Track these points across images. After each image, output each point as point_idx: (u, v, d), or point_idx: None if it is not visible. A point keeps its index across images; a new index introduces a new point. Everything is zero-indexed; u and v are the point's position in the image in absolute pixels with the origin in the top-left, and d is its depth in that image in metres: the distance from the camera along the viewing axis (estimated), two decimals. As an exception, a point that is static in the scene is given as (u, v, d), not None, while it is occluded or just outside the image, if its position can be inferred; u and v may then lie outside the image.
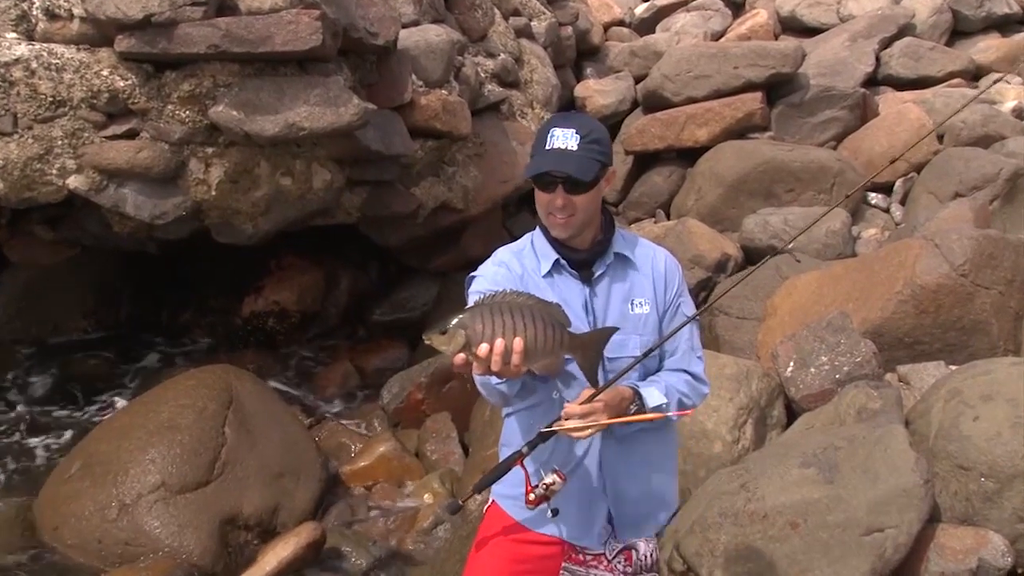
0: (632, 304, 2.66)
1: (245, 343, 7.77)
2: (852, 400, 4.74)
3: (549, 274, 2.63)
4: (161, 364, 7.44)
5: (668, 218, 9.69)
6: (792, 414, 5.29)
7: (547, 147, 2.50)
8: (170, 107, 5.65)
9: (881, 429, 4.20)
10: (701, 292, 7.55)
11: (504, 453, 2.79)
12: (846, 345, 5.24)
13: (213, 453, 5.20)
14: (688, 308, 2.77)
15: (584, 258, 2.64)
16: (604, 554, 2.76)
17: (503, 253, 2.73)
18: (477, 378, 2.49)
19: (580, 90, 11.18)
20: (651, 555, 2.81)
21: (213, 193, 5.95)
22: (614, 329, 2.51)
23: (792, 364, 5.30)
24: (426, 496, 5.68)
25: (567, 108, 10.97)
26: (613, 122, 11.15)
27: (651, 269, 2.71)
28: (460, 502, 2.76)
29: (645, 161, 10.32)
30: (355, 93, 5.95)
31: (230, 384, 5.61)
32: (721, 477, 4.41)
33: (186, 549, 4.83)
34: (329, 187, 6.44)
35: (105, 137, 5.66)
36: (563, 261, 2.63)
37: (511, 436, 2.80)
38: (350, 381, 7.42)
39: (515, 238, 2.77)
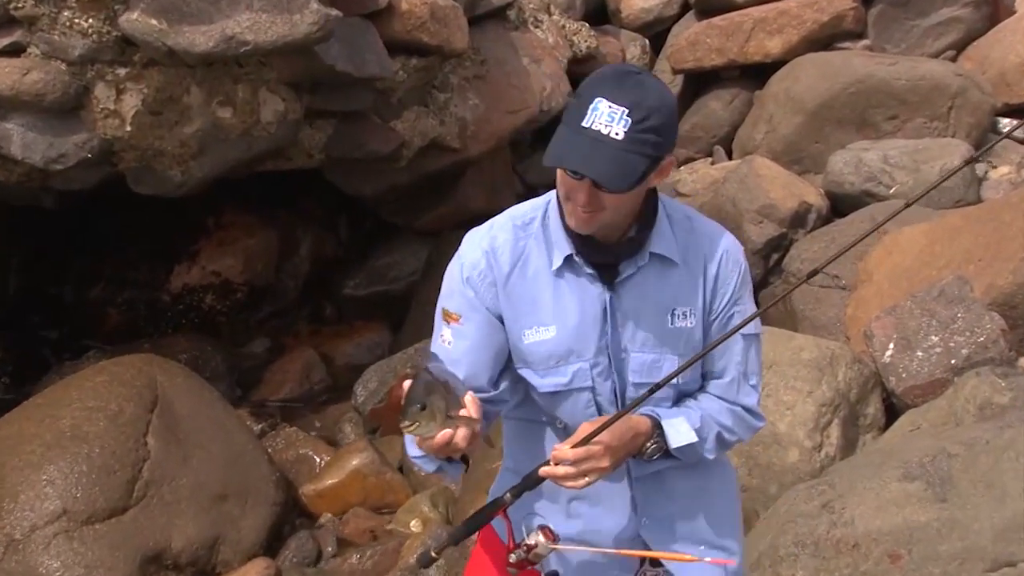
0: (673, 316, 2.57)
1: (175, 326, 7.79)
2: (972, 392, 4.68)
3: (562, 269, 2.53)
4: (63, 354, 7.46)
5: (729, 157, 9.62)
6: (892, 411, 5.26)
7: (584, 122, 2.30)
8: (67, 13, 5.60)
9: (1011, 431, 4.14)
10: (772, 254, 7.50)
11: (505, 478, 2.77)
12: (965, 320, 5.18)
13: (132, 471, 5.19)
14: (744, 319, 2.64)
15: (608, 259, 2.53)
16: None
17: (503, 227, 2.60)
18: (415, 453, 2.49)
19: (613, -11, 11.14)
20: None
21: (128, 129, 5.92)
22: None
23: (892, 346, 5.25)
24: (413, 523, 5.67)
25: (595, 13, 10.91)
26: (657, 31, 11.09)
27: (702, 267, 2.59)
28: (432, 553, 2.71)
29: (699, 82, 10.23)
30: (314, -6, 5.93)
31: (154, 380, 5.61)
32: (798, 495, 4.37)
33: (97, 596, 4.86)
34: (282, 120, 6.40)
35: (-22, 55, 5.65)
36: (578, 259, 2.53)
37: (508, 455, 2.81)
38: (313, 374, 7.43)
39: (528, 187, 2.69)
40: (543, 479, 2.47)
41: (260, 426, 6.64)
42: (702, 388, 2.68)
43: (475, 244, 2.59)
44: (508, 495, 2.53)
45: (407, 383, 2.26)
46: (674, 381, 2.51)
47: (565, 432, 2.56)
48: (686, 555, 2.58)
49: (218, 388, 6.38)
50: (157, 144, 6.11)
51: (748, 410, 2.67)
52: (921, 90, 8.66)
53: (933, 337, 5.20)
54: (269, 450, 6.19)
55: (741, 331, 2.57)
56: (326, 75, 6.40)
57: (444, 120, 7.51)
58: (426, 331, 2.80)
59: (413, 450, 2.43)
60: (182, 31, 5.58)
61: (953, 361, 5.11)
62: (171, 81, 5.95)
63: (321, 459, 6.28)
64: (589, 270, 2.53)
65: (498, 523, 2.62)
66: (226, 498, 5.43)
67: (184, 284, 7.92)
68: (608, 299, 2.53)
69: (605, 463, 2.40)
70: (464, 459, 2.50)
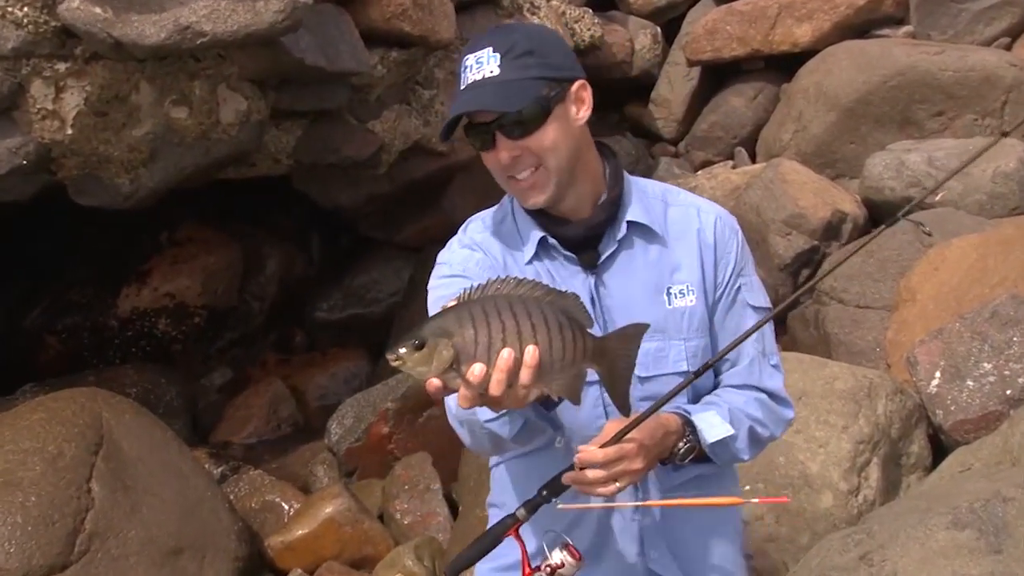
0: (669, 295, 2.63)
1: (123, 356, 7.77)
2: (1030, 427, 4.68)
3: (535, 259, 2.60)
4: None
5: (753, 160, 9.64)
6: (939, 449, 5.25)
7: (461, 86, 2.50)
8: (-2, 2, 5.63)
9: (1074, 470, 4.15)
10: (802, 270, 7.50)
11: (495, 517, 2.75)
12: (1021, 345, 5.18)
13: (73, 522, 5.16)
14: (752, 293, 2.73)
15: (583, 233, 2.61)
16: None
17: (476, 227, 2.71)
18: (455, 413, 2.44)
19: (620, -29, 11.19)
20: None
21: (69, 132, 5.91)
22: (645, 325, 2.48)
23: (939, 375, 5.25)
24: (396, 580, 5.67)
25: (599, -4, 10.96)
26: (670, 17, 11.13)
27: (695, 238, 2.67)
28: None
29: (718, 76, 10.26)
30: (279, -22, 5.94)
31: (99, 417, 5.59)
32: (832, 544, 4.33)
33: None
34: (245, 121, 6.41)
35: None
36: (552, 240, 2.60)
37: (503, 494, 2.77)
38: (281, 410, 7.44)
39: None
40: (564, 488, 2.46)
41: (220, 469, 6.62)
42: (716, 382, 2.72)
43: (455, 248, 2.68)
44: (522, 510, 2.51)
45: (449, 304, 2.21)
46: (687, 386, 2.54)
47: (566, 453, 2.55)
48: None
49: (172, 426, 6.37)
50: (102, 149, 6.10)
51: (774, 396, 2.72)
52: (971, 83, 8.67)
53: (986, 364, 5.18)
54: (231, 497, 6.17)
55: (750, 304, 2.68)
56: (294, 70, 6.39)
57: (429, 120, 7.52)
58: (410, 359, 2.79)
59: (485, 413, 2.36)
60: (130, 21, 5.56)
61: (1009, 391, 5.09)
62: (118, 77, 5.93)
63: (290, 506, 6.27)
64: (566, 253, 2.60)
65: (507, 545, 2.58)
66: (181, 552, 5.41)
67: (134, 308, 7.90)
68: (593, 284, 2.59)
69: (638, 464, 2.41)
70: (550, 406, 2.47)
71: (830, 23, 9.58)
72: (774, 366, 2.74)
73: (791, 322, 7.49)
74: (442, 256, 2.68)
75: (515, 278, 2.22)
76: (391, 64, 7.17)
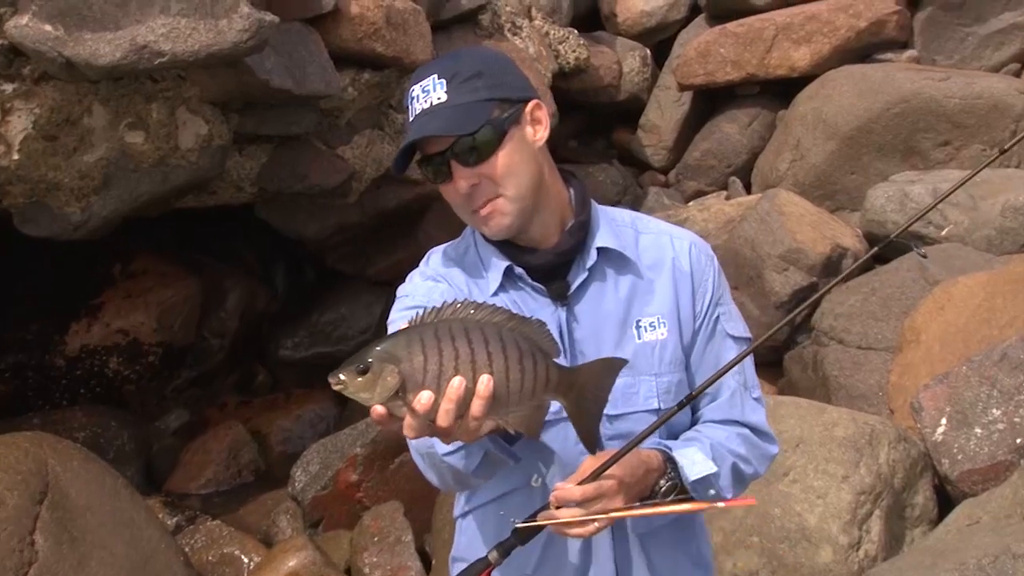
0: (640, 328, 2.63)
1: (71, 397, 7.72)
2: (1042, 478, 4.68)
3: (500, 291, 2.60)
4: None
5: (748, 191, 9.68)
6: (945, 501, 5.26)
7: (410, 117, 2.52)
8: (-59, 19, 5.62)
9: (1088, 524, 4.16)
10: (799, 307, 7.51)
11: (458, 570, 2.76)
12: (1032, 390, 5.20)
13: (15, 575, 5.12)
14: (732, 322, 2.74)
15: (551, 260, 2.61)
16: None
17: (437, 259, 2.73)
18: (414, 446, 2.44)
19: (608, -11, 11.28)
20: None
21: (15, 157, 5.89)
22: (623, 361, 2.48)
23: (945, 422, 5.26)
24: (363, 639, 5.66)
25: (586, 18, 11.01)
26: (661, 38, 11.21)
27: (669, 267, 2.68)
28: None
29: (711, 101, 10.32)
30: (244, -5, 5.96)
31: (44, 464, 5.54)
32: (832, 604, 4.37)
33: None
34: (205, 146, 6.41)
35: None
36: (518, 270, 2.60)
37: (469, 548, 2.75)
38: (242, 455, 7.41)
39: None
40: (539, 529, 2.45)
41: (175, 520, 6.59)
42: (695, 419, 2.72)
43: (418, 281, 2.69)
44: (494, 553, 2.51)
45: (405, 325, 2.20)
46: (666, 421, 2.53)
47: (543, 491, 2.54)
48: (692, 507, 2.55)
49: (124, 473, 6.31)
50: (51, 176, 6.08)
51: (757, 431, 2.72)
52: (978, 111, 8.74)
53: (994, 411, 5.20)
54: (186, 550, 6.13)
55: (730, 334, 2.69)
56: (259, 92, 6.40)
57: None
58: (380, 402, 2.78)
59: (441, 447, 2.36)
60: (83, 39, 5.55)
61: (1019, 440, 5.10)
62: (69, 99, 5.92)
63: (251, 560, 6.23)
64: (534, 284, 2.60)
65: None
66: (132, 610, 5.37)
67: (83, 345, 7.86)
68: (563, 317, 2.59)
69: (618, 502, 2.40)
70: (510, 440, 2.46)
71: (830, 46, 9.65)
72: (756, 399, 2.75)
73: (788, 363, 7.50)
74: (403, 289, 2.69)
75: (473, 302, 2.21)
76: (362, 86, 7.19)
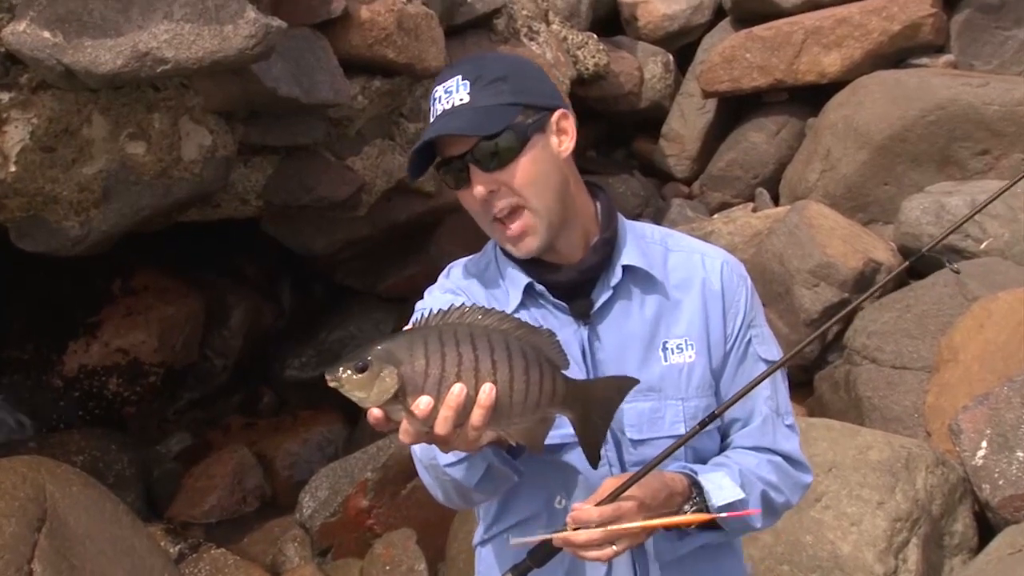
0: (667, 350, 2.64)
1: (69, 419, 7.73)
2: (1088, 504, 4.69)
3: (520, 308, 2.61)
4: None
5: (776, 203, 9.67)
6: (986, 528, 5.24)
7: (431, 118, 2.55)
8: (-66, 25, 5.64)
9: None
10: (830, 324, 7.50)
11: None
12: (1077, 411, 5.19)
13: (13, 605, 5.14)
14: (764, 345, 2.74)
15: (574, 278, 2.62)
16: None
17: (458, 273, 2.75)
18: (418, 456, 2.47)
19: (628, -7, 11.29)
20: None
21: (12, 169, 5.90)
22: (634, 381, 2.49)
23: (985, 445, 5.24)
24: (374, 673, 5.66)
25: (606, 22, 11.02)
26: (684, 43, 11.21)
27: (699, 287, 2.68)
28: None
29: (737, 108, 10.32)
30: (250, 0, 5.96)
31: (42, 489, 5.56)
32: (867, 636, 4.37)
33: None
34: (209, 158, 6.42)
35: None
36: (539, 287, 2.62)
37: (489, 574, 2.76)
38: (247, 480, 7.41)
39: None
40: (556, 551, 2.45)
41: (178, 548, 6.59)
42: (724, 445, 2.72)
43: (437, 294, 2.71)
44: (509, 575, 2.51)
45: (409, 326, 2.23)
46: (688, 440, 2.52)
47: (566, 514, 2.52)
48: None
49: (124, 499, 6.34)
50: (49, 188, 6.09)
51: (790, 459, 2.71)
52: (1019, 118, 8.73)
53: (1038, 433, 5.18)
54: (190, 578, 6.13)
55: (763, 358, 2.68)
56: (266, 101, 6.42)
57: (415, 157, 7.54)
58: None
59: (444, 457, 2.38)
60: (83, 46, 5.56)
61: (1064, 464, 5.08)
62: (68, 109, 5.94)
63: (257, 590, 6.23)
64: (556, 301, 2.61)
65: None
66: (134, 641, 5.38)
67: (82, 365, 7.89)
68: (585, 336, 2.60)
69: (638, 524, 2.39)
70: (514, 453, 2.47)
71: (861, 51, 9.64)
72: (789, 426, 2.74)
73: (819, 384, 7.49)
74: (421, 303, 2.70)
75: (482, 307, 2.23)
76: (373, 95, 7.20)
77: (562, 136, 2.59)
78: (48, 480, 5.66)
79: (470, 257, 2.78)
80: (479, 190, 2.50)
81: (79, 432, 7.57)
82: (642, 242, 2.69)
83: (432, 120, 2.53)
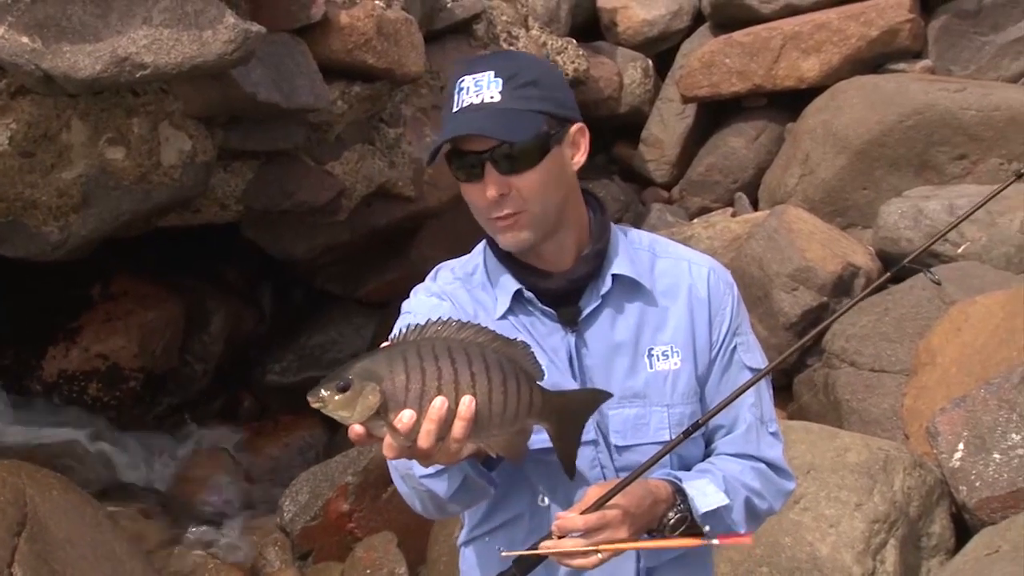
0: (651, 356, 2.64)
1: (50, 424, 7.65)
2: (1064, 506, 4.69)
3: (508, 314, 2.62)
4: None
5: (755, 207, 9.69)
6: (963, 530, 5.24)
7: (455, 108, 2.51)
8: (-86, 31, 5.63)
9: (1112, 553, 4.17)
10: (809, 329, 7.51)
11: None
12: (1053, 414, 5.20)
13: (-8, 611, 5.13)
14: (749, 353, 2.74)
15: (563, 286, 2.62)
16: None
17: (445, 276, 2.74)
18: (395, 466, 2.47)
19: (605, -2, 11.30)
20: None
21: (-8, 173, 5.92)
22: (607, 394, 2.49)
23: (962, 447, 5.25)
24: (354, 677, 5.65)
25: (585, 27, 11.03)
26: (663, 48, 11.23)
27: (685, 294, 2.68)
28: None
29: (716, 113, 10.34)
30: (229, 5, 5.95)
31: (22, 494, 5.53)
32: (845, 637, 4.38)
33: None
34: (189, 163, 6.42)
35: None
36: (528, 293, 2.62)
37: (472, 574, 2.77)
38: (229, 485, 7.39)
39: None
40: (541, 559, 2.45)
41: (159, 552, 6.56)
42: (708, 452, 2.72)
43: (422, 297, 2.70)
44: None
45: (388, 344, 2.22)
46: (673, 448, 2.53)
47: (550, 513, 2.56)
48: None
49: (105, 505, 6.31)
50: (28, 193, 6.09)
51: (773, 466, 2.71)
52: (996, 123, 8.75)
53: (1014, 435, 5.19)
54: (170, 583, 6.12)
55: (748, 365, 2.67)
56: (245, 106, 6.42)
57: (394, 161, 7.54)
58: (373, 427, 2.78)
59: (420, 468, 2.37)
60: (61, 51, 5.56)
61: (1040, 466, 5.10)
62: (47, 114, 5.94)
63: (237, 595, 6.23)
64: (544, 308, 2.60)
65: None
66: (114, 646, 5.37)
67: (61, 371, 7.85)
68: (572, 343, 2.60)
69: (623, 533, 2.39)
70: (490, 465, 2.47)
71: (840, 56, 9.67)
72: (773, 434, 2.74)
73: (798, 387, 7.52)
74: (407, 304, 2.70)
75: (458, 321, 2.23)
76: (353, 99, 7.20)
77: (576, 150, 2.59)
78: (28, 484, 5.64)
79: (458, 259, 2.77)
80: (491, 192, 2.48)
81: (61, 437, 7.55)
82: (631, 249, 2.69)
83: (455, 109, 2.49)
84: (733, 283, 2.76)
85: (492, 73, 2.47)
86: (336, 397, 2.15)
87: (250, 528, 6.98)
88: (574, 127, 2.58)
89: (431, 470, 2.38)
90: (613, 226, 2.70)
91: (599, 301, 2.62)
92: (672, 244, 2.79)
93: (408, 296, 2.75)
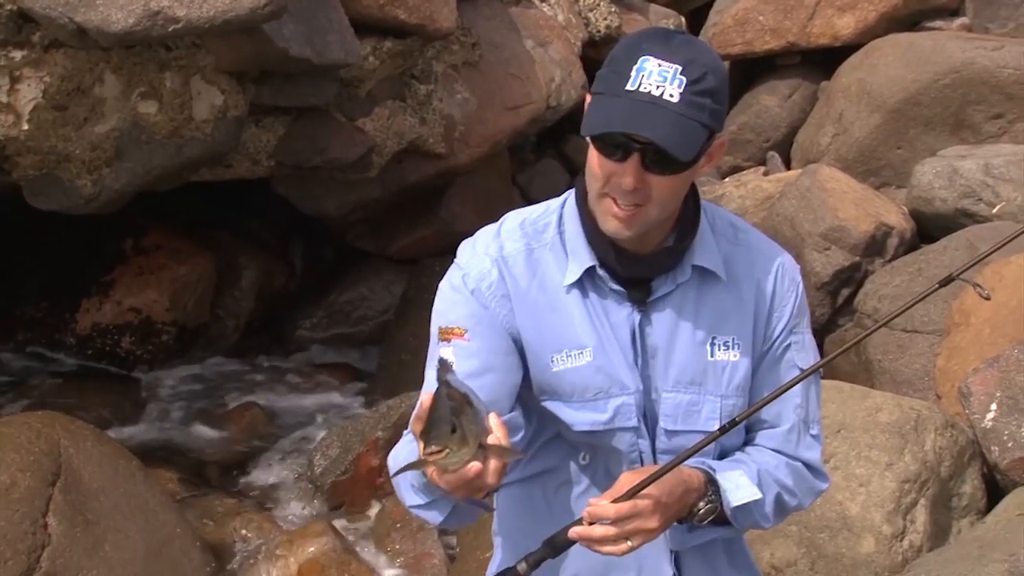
0: (714, 346, 2.60)
1: (83, 376, 7.76)
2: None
3: (576, 286, 2.57)
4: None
5: (788, 166, 9.64)
6: (994, 490, 5.24)
7: (629, 85, 2.37)
8: (-54, -19, 5.65)
9: None
10: (842, 289, 7.52)
11: (499, 556, 2.79)
12: (1087, 374, 5.19)
13: (28, 560, 5.13)
14: (802, 353, 2.69)
15: (641, 272, 2.57)
16: None
17: (511, 231, 2.64)
18: (392, 470, 2.44)
19: (639, -46, 11.21)
20: None
21: (25, 127, 5.95)
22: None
23: (995, 407, 5.22)
24: (386, 629, 5.69)
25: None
26: (696, 5, 11.17)
27: (752, 287, 2.64)
28: None
29: (749, 71, 10.27)
30: (262, -41, 5.95)
31: (57, 444, 5.57)
32: (874, 595, 4.38)
33: None
34: (221, 118, 6.43)
35: None
36: (601, 271, 2.56)
37: (505, 522, 2.79)
38: (259, 437, 7.44)
39: (531, 203, 2.66)
40: (571, 543, 2.45)
41: (189, 502, 6.59)
42: (748, 441, 2.70)
43: (480, 252, 2.61)
44: (523, 564, 2.49)
45: (425, 396, 2.18)
46: (715, 439, 2.50)
47: (589, 471, 2.58)
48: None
49: (137, 455, 6.34)
50: (62, 146, 6.13)
51: (809, 466, 2.69)
52: (1034, 82, 8.70)
53: (1047, 396, 5.18)
54: (202, 533, 6.14)
55: (799, 366, 2.62)
56: (277, 61, 6.42)
57: (425, 118, 7.52)
58: (403, 383, 2.79)
59: (413, 498, 2.40)
60: (95, 4, 5.56)
61: (1072, 427, 5.09)
62: (80, 67, 5.97)
63: (269, 544, 6.22)
64: (615, 286, 2.55)
65: None
66: (147, 595, 5.41)
67: (94, 324, 7.91)
68: (637, 321, 2.56)
69: (653, 523, 2.38)
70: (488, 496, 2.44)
71: (876, 14, 9.59)
72: (814, 436, 2.70)
73: (828, 347, 7.48)
74: (463, 255, 2.63)
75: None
76: (384, 55, 7.19)
77: (709, 160, 2.51)
78: (62, 435, 5.69)
79: (530, 209, 2.68)
80: (628, 180, 2.37)
81: (93, 389, 7.59)
82: (713, 237, 2.63)
83: (629, 87, 2.36)
84: (800, 281, 2.70)
85: (679, 69, 2.34)
86: (455, 442, 2.11)
87: (280, 481, 6.99)
88: (718, 140, 2.47)
89: (421, 500, 2.40)
90: (703, 212, 2.62)
91: (673, 288, 2.57)
92: (749, 231, 2.72)
93: (437, 256, 2.70)
